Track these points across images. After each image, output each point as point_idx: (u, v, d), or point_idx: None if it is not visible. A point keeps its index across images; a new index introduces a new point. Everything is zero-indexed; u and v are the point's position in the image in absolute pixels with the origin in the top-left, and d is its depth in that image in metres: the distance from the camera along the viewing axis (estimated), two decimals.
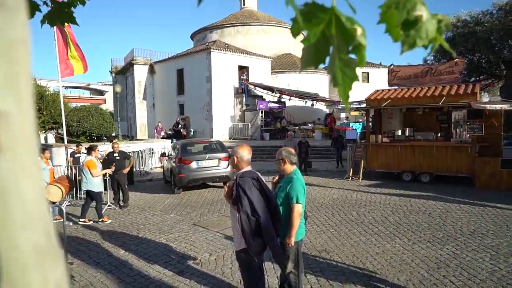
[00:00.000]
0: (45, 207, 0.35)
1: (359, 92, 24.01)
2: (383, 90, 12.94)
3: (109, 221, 7.69)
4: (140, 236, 6.64)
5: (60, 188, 7.71)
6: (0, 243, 0.30)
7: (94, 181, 7.66)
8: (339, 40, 0.64)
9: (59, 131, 21.85)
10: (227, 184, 3.45)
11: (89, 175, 7.61)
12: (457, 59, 12.48)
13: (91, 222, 7.66)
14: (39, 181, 0.35)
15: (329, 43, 0.66)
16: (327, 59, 0.68)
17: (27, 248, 0.31)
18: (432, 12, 0.64)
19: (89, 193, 7.72)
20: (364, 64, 0.67)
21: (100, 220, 7.63)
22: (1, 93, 0.31)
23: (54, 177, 8.21)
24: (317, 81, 29.30)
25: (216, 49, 24.22)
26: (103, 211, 8.19)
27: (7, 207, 0.31)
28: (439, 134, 11.84)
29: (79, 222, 7.61)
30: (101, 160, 8.90)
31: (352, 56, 0.66)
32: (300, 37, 0.72)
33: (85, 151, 9.04)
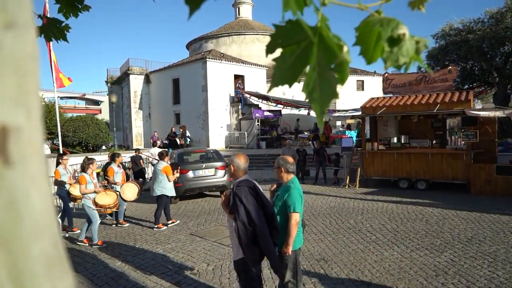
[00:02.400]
0: (53, 218, 0.36)
1: (354, 100, 24.27)
2: (378, 98, 13.03)
3: (164, 227, 7.78)
4: (136, 246, 6.59)
5: (137, 185, 7.97)
6: (12, 252, 0.31)
7: (168, 186, 7.90)
8: (321, 58, 0.63)
9: (55, 141, 21.75)
10: (224, 193, 3.47)
11: (165, 180, 7.82)
12: (450, 67, 12.64)
13: (177, 222, 8.01)
14: (47, 192, 0.36)
15: (307, 61, 0.64)
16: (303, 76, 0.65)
17: (37, 258, 0.32)
18: (416, 29, 0.66)
19: (159, 197, 7.84)
20: (346, 81, 0.64)
21: (156, 226, 7.72)
22: (13, 108, 0.32)
23: (125, 180, 8.47)
24: None
25: (211, 59, 24.35)
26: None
27: (18, 218, 0.32)
28: (434, 141, 11.90)
29: (168, 225, 7.82)
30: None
31: (334, 73, 0.64)
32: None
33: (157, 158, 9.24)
